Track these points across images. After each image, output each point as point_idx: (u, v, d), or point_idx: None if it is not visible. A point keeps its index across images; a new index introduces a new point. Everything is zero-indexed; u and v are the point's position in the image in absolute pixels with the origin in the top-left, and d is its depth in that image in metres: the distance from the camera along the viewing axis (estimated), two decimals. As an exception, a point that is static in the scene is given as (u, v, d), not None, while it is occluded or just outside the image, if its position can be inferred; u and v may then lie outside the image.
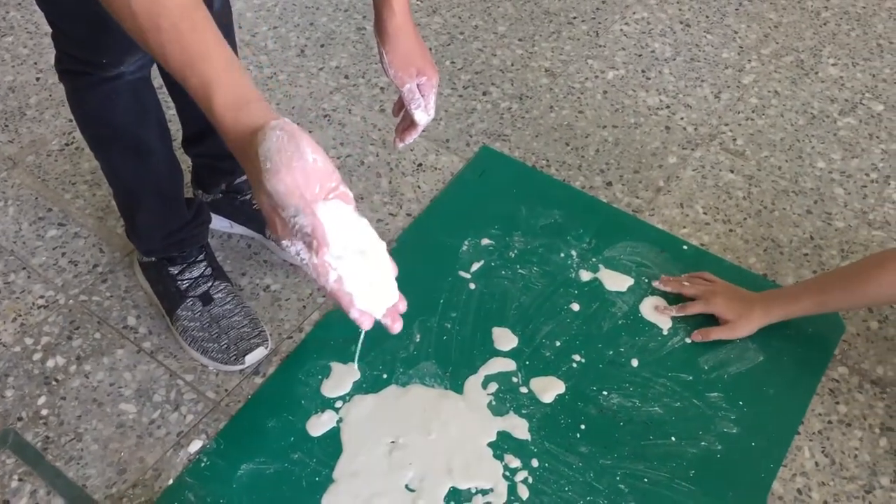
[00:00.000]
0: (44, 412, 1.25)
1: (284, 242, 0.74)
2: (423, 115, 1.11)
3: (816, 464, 1.22)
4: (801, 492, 1.20)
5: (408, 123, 1.14)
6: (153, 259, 1.35)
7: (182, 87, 0.73)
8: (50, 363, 1.30)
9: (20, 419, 1.24)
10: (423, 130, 1.16)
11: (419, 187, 1.56)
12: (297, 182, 0.69)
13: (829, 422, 1.27)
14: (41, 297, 1.38)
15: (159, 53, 0.70)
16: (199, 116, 1.32)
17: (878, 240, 1.51)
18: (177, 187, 1.30)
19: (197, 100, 0.72)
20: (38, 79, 1.75)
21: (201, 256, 1.36)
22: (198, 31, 0.70)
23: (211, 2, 1.26)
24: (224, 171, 1.41)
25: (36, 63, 1.78)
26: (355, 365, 1.28)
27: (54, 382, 1.28)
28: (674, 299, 1.40)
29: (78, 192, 1.54)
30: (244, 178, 1.42)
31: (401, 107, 1.14)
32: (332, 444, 1.22)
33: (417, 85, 1.08)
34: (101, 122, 1.18)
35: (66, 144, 1.62)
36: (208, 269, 1.36)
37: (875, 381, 1.32)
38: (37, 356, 1.31)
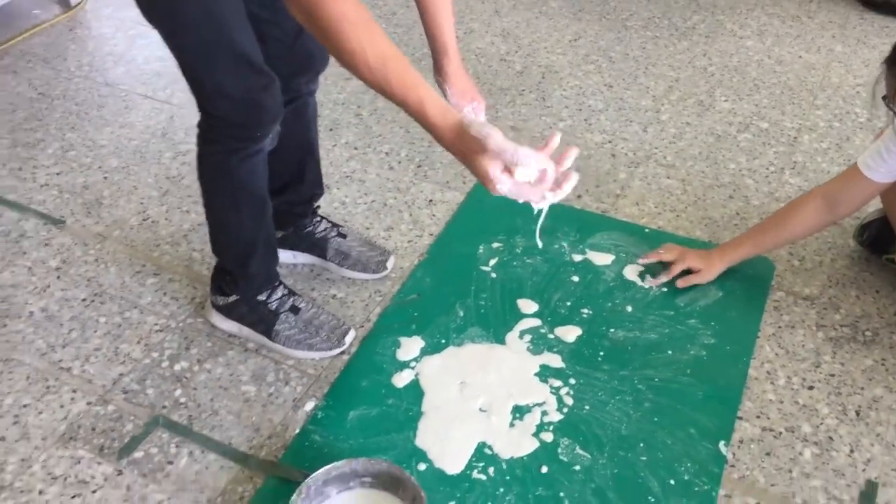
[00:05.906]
0: (182, 399, 1.55)
1: (500, 185, 1.06)
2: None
3: (776, 354, 1.64)
4: (769, 373, 1.60)
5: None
6: (234, 298, 1.65)
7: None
8: (177, 367, 1.62)
9: (164, 407, 1.54)
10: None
11: (434, 216, 1.98)
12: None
13: (779, 326, 1.70)
14: (156, 324, 1.71)
15: (385, 87, 1.08)
16: (285, 172, 1.69)
17: (786, 208, 1.99)
18: (274, 232, 1.64)
19: (412, 113, 1.09)
20: (105, 177, 2.12)
21: (277, 281, 1.71)
22: (408, 69, 1.09)
23: (305, 108, 1.64)
24: (298, 214, 1.78)
25: (101, 167, 2.16)
26: (538, 240, 1.46)
27: (184, 379, 1.59)
28: (651, 270, 1.82)
29: (163, 251, 1.89)
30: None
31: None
32: (414, 391, 1.57)
33: (472, 108, 1.45)
34: (245, 189, 1.49)
35: (144, 220, 1.98)
36: (285, 289, 1.70)
37: (805, 297, 1.76)
38: (164, 364, 1.62)
